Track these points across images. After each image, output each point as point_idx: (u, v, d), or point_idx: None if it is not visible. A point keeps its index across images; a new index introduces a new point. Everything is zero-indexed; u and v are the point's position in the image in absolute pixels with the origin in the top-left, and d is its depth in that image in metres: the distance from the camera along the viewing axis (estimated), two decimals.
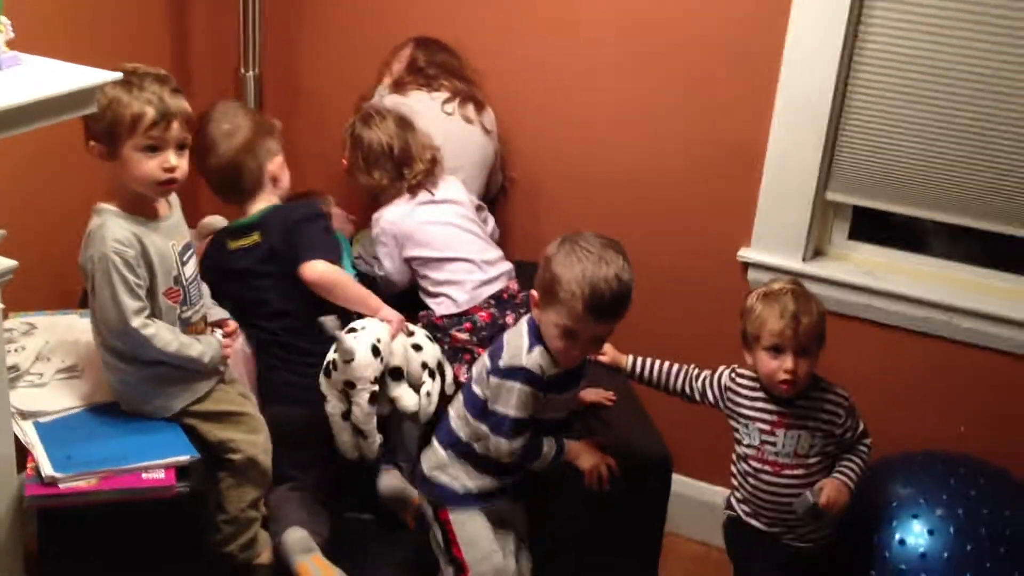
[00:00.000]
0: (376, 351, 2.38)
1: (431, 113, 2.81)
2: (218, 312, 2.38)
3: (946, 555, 2.30)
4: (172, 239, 2.19)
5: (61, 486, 2.01)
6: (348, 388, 2.37)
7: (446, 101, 2.83)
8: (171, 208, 2.24)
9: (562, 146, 2.98)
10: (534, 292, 2.17)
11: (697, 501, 2.97)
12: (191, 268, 2.24)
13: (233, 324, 2.38)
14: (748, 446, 2.35)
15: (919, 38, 2.53)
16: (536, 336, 2.17)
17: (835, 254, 2.84)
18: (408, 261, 2.68)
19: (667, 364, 2.50)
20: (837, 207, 2.81)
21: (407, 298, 2.69)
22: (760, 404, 2.33)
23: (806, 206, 2.73)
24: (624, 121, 2.89)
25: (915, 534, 2.34)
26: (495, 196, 3.02)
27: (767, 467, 2.32)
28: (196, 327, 2.25)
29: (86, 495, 2.01)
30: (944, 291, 2.68)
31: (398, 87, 2.87)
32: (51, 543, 2.04)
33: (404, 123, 2.71)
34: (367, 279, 2.71)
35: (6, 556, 2.04)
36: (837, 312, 2.72)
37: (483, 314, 2.62)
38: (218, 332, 2.32)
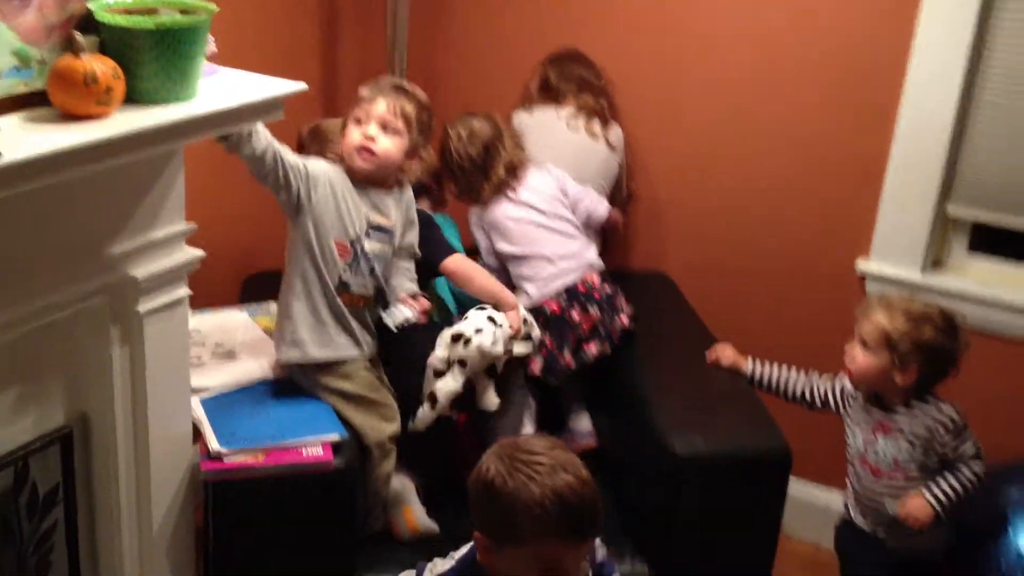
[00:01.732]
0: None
1: (556, 129, 2.94)
2: (413, 287, 2.54)
3: None
4: (369, 209, 2.37)
5: (226, 460, 2.15)
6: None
7: (572, 117, 2.95)
8: (391, 191, 2.43)
9: (686, 159, 3.07)
10: (478, 535, 1.75)
11: (810, 503, 3.04)
12: (374, 246, 2.38)
13: (425, 302, 2.54)
14: (854, 449, 2.43)
15: None
16: None
17: (954, 266, 2.89)
18: (496, 254, 2.83)
19: (787, 369, 2.60)
20: (957, 220, 2.87)
21: None
22: (868, 408, 2.41)
23: (926, 219, 2.79)
24: (747, 130, 2.98)
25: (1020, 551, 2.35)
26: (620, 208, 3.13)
27: (868, 471, 2.39)
28: (352, 298, 2.38)
29: (254, 469, 2.15)
30: None
31: (526, 104, 3.03)
32: (221, 514, 2.18)
33: (490, 136, 2.83)
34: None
35: (182, 525, 2.20)
36: None
37: (553, 306, 2.72)
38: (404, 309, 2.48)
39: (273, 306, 2.57)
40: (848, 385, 2.48)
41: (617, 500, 2.57)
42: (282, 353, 2.38)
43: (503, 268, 2.84)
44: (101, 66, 1.63)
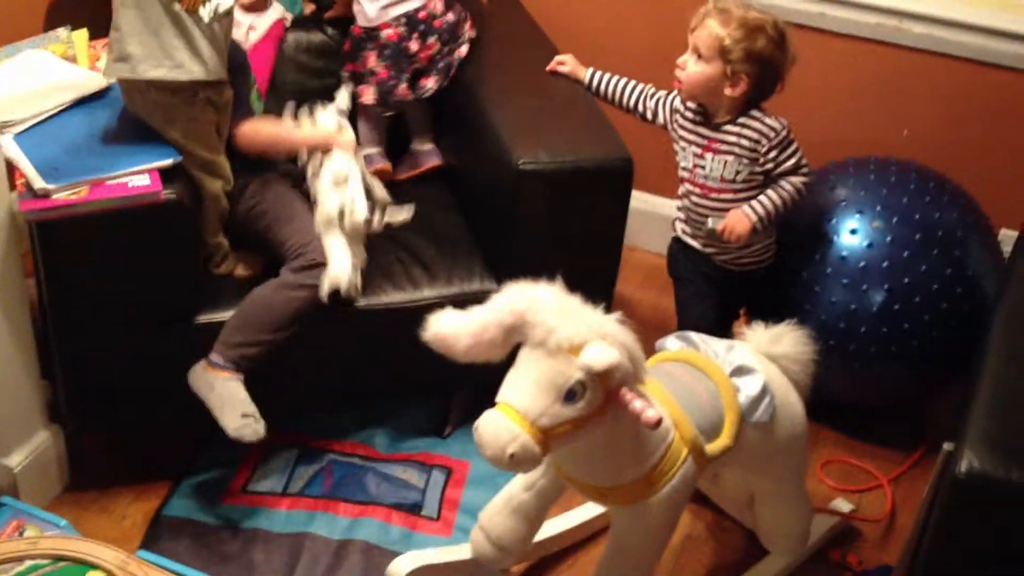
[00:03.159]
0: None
1: None
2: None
3: (885, 264, 2.41)
4: None
5: (54, 198, 2.00)
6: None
7: None
8: None
9: None
10: None
11: (653, 213, 3.09)
12: None
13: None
14: (684, 168, 2.42)
15: None
16: None
17: None
18: None
19: (624, 80, 2.55)
20: None
21: None
22: (696, 128, 2.38)
23: None
24: None
25: (854, 247, 2.43)
26: None
27: (697, 189, 2.40)
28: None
29: (78, 206, 2.01)
30: None
31: None
32: (48, 256, 2.08)
33: None
34: None
35: (9, 273, 2.10)
36: (790, 22, 2.76)
37: (389, 32, 2.60)
38: None
39: (61, 31, 2.37)
40: (678, 102, 2.44)
41: (464, 219, 2.59)
42: (109, 71, 2.15)
43: None
44: None
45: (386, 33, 2.60)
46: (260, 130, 2.34)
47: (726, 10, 2.28)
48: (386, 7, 2.61)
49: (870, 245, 2.43)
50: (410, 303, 2.35)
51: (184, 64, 2.11)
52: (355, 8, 2.66)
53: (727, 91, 2.29)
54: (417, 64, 2.62)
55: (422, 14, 2.61)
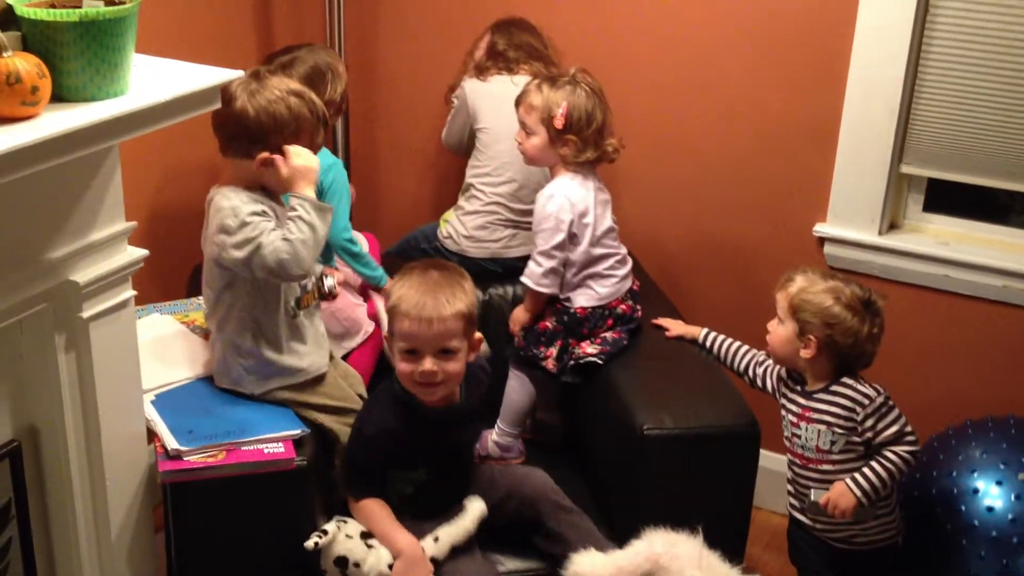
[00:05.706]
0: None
1: (512, 97, 2.87)
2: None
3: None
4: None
5: (187, 459, 2.08)
6: None
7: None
8: None
9: (638, 125, 3.01)
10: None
11: (780, 474, 2.99)
12: None
13: (339, 274, 2.40)
14: (785, 437, 2.40)
15: (990, 8, 2.57)
16: None
17: (910, 226, 2.88)
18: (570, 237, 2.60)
19: (736, 344, 2.57)
20: (912, 179, 2.85)
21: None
22: (792, 395, 2.38)
23: (881, 180, 2.78)
24: (698, 98, 2.95)
25: (985, 513, 2.36)
26: None
27: (797, 459, 2.36)
28: (308, 297, 2.28)
29: (214, 469, 2.08)
30: (1021, 260, 2.71)
31: (479, 72, 2.95)
32: (181, 516, 2.13)
33: (600, 95, 2.61)
34: (442, 254, 2.84)
35: (141, 530, 2.15)
36: (913, 284, 2.79)
37: (624, 307, 2.63)
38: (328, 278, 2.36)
39: (196, 300, 2.50)
40: (783, 371, 2.44)
41: (586, 479, 2.56)
42: (245, 387, 2.26)
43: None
44: (25, 64, 1.57)
45: (621, 308, 2.62)
46: (374, 520, 2.25)
47: (805, 275, 2.33)
48: (622, 282, 2.63)
49: (991, 510, 2.36)
50: (530, 571, 2.30)
51: (308, 361, 2.29)
52: (575, 292, 2.60)
53: (802, 352, 2.29)
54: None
55: (635, 286, 2.68)
